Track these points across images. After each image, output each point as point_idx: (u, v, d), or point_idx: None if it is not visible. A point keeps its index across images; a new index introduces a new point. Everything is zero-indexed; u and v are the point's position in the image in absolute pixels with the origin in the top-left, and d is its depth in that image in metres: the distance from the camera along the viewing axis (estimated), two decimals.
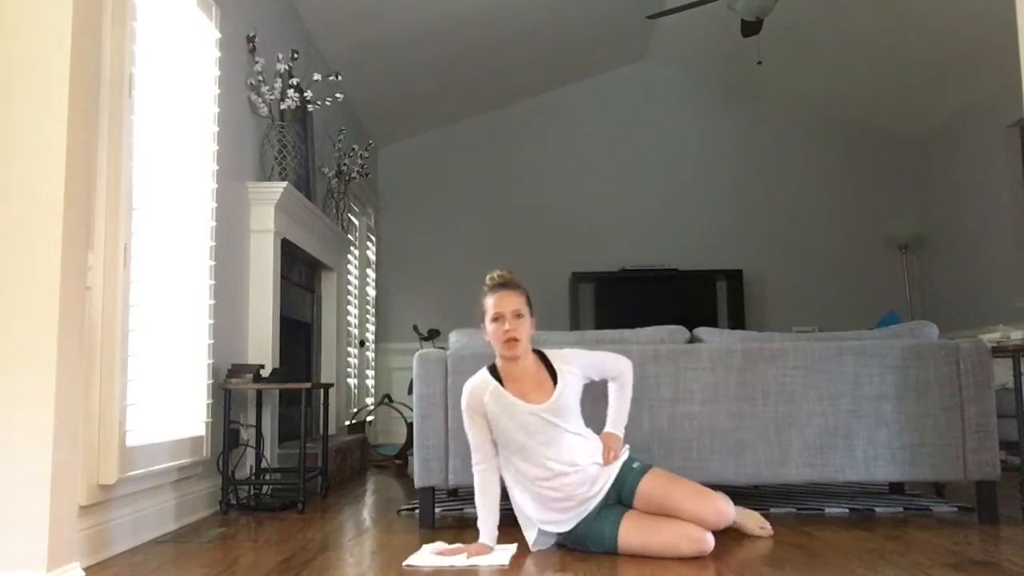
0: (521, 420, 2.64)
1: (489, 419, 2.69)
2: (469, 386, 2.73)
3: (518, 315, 2.66)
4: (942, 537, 2.79)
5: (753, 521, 2.88)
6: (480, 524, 2.64)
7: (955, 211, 6.86)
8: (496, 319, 2.66)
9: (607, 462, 2.68)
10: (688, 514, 2.56)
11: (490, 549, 2.57)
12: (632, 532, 2.55)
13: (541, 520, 2.68)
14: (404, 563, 2.48)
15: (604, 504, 2.65)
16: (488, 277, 2.76)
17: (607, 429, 2.80)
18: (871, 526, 3.04)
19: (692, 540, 2.49)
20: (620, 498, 2.67)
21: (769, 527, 2.88)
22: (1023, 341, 3.55)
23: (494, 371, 2.73)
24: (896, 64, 6.30)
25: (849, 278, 7.34)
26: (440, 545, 2.64)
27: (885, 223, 7.33)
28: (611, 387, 2.88)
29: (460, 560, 2.48)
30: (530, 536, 2.70)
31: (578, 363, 2.78)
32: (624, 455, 2.74)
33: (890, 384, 3.16)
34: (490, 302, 2.69)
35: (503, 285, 2.71)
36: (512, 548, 2.63)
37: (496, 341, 2.68)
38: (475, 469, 2.70)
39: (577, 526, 2.64)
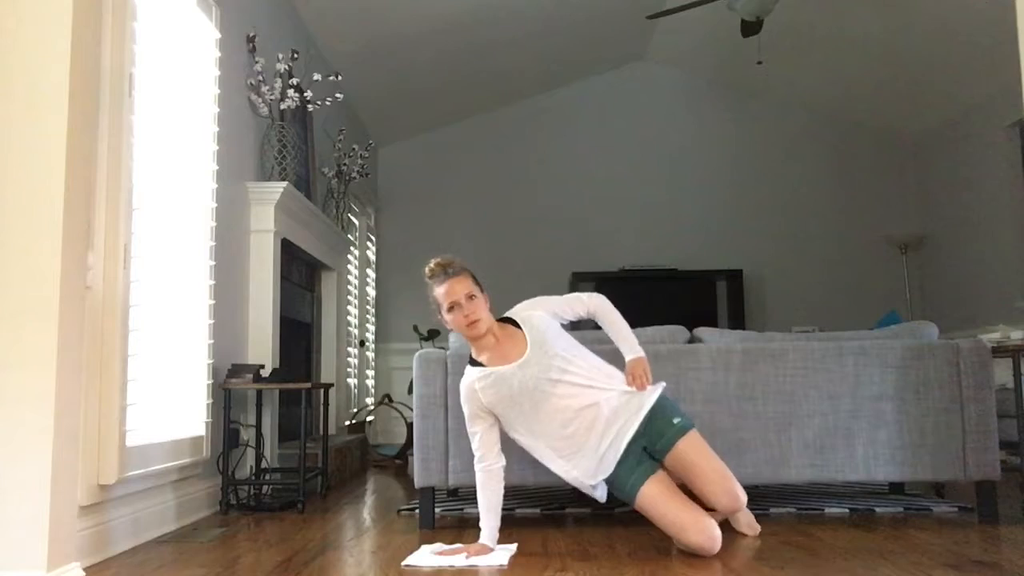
0: (517, 380, 2.64)
1: (490, 407, 2.69)
2: (462, 385, 2.76)
3: (470, 297, 2.67)
4: (942, 537, 2.79)
5: (744, 517, 2.90)
6: (481, 524, 2.64)
7: (955, 211, 6.86)
8: (451, 308, 2.67)
9: (639, 387, 2.69)
10: (707, 489, 2.60)
11: (490, 549, 2.57)
12: (652, 495, 2.58)
13: (583, 472, 2.67)
14: (403, 563, 2.48)
15: (640, 452, 2.65)
16: (427, 268, 2.74)
17: (626, 358, 2.79)
18: (871, 526, 3.04)
19: (701, 531, 2.48)
20: (653, 449, 2.67)
21: (758, 527, 2.90)
22: (1023, 341, 3.55)
23: (473, 361, 2.76)
24: (896, 64, 6.30)
25: (849, 278, 7.34)
26: (440, 546, 2.64)
27: (885, 223, 7.33)
28: (601, 324, 2.89)
29: (459, 560, 2.48)
30: (598, 493, 2.72)
31: (541, 306, 2.82)
32: (659, 389, 2.73)
33: (890, 384, 3.16)
34: (440, 292, 2.69)
35: (445, 272, 2.70)
36: (512, 548, 2.64)
37: (459, 328, 2.70)
38: (477, 467, 2.70)
39: (616, 466, 2.65)
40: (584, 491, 2.75)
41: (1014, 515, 3.20)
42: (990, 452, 3.11)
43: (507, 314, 2.82)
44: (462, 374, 3.09)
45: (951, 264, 6.90)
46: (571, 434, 2.65)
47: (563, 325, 2.86)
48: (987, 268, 6.38)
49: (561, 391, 2.64)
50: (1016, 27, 2.62)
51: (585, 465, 2.68)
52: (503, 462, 2.70)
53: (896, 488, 3.85)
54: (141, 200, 2.88)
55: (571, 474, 2.71)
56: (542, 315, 2.79)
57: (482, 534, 2.62)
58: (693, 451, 2.66)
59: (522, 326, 2.74)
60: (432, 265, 2.74)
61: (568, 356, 2.69)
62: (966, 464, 3.12)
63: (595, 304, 2.87)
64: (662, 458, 2.66)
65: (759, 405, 3.14)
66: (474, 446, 2.72)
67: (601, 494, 2.74)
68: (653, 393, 2.71)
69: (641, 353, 2.80)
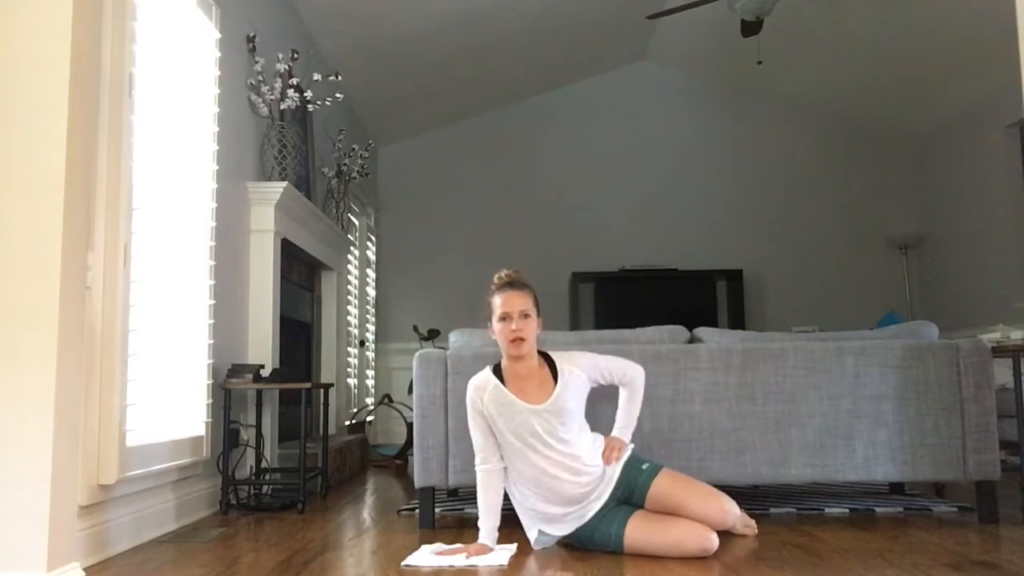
0: (520, 419, 2.64)
1: (488, 419, 2.69)
2: (472, 384, 2.75)
3: (525, 315, 2.67)
4: (942, 537, 2.79)
5: (740, 520, 2.89)
6: (480, 524, 2.64)
7: (955, 211, 6.86)
8: (503, 318, 2.67)
9: (607, 462, 2.69)
10: (696, 514, 2.59)
11: (490, 549, 2.57)
12: (637, 532, 2.56)
13: (541, 521, 2.68)
14: (403, 563, 2.48)
15: (610, 506, 2.65)
16: (496, 276, 2.77)
17: (614, 433, 2.81)
18: (871, 526, 3.04)
19: (697, 539, 2.50)
20: (631, 499, 2.68)
21: (754, 524, 2.92)
22: (1023, 341, 3.55)
23: (498, 370, 2.74)
24: (896, 64, 6.30)
25: (849, 278, 7.34)
26: (440, 546, 2.64)
27: (885, 223, 7.33)
28: (621, 393, 2.87)
29: (459, 560, 2.48)
30: (531, 535, 2.71)
31: (583, 365, 2.78)
32: (626, 455, 2.74)
33: (890, 384, 3.16)
34: (498, 301, 2.70)
35: (511, 284, 2.72)
36: (512, 548, 2.64)
37: (503, 340, 2.69)
38: (477, 468, 2.70)
39: (580, 529, 2.64)
40: (523, 524, 2.74)
41: (1014, 515, 3.20)
42: (990, 452, 3.11)
43: (552, 353, 2.79)
44: (462, 374, 3.10)
45: (951, 264, 6.90)
46: (544, 484, 2.65)
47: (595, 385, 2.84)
48: (987, 268, 6.38)
49: (549, 452, 2.63)
50: (1016, 27, 2.62)
51: (547, 512, 2.67)
52: (503, 463, 2.70)
53: (896, 488, 3.85)
54: (141, 200, 2.88)
55: (524, 506, 2.70)
56: (581, 376, 2.75)
57: (481, 534, 2.61)
58: (670, 483, 2.67)
59: (559, 377, 2.72)
60: (502, 274, 2.77)
61: (573, 432, 2.67)
62: (966, 464, 3.12)
63: (631, 377, 2.86)
64: (641, 503, 2.66)
65: (759, 405, 3.14)
66: (476, 446, 2.72)
67: (532, 537, 2.71)
68: (618, 465, 2.71)
69: (627, 438, 2.81)
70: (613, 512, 2.63)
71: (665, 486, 2.65)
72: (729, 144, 7.51)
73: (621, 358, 2.89)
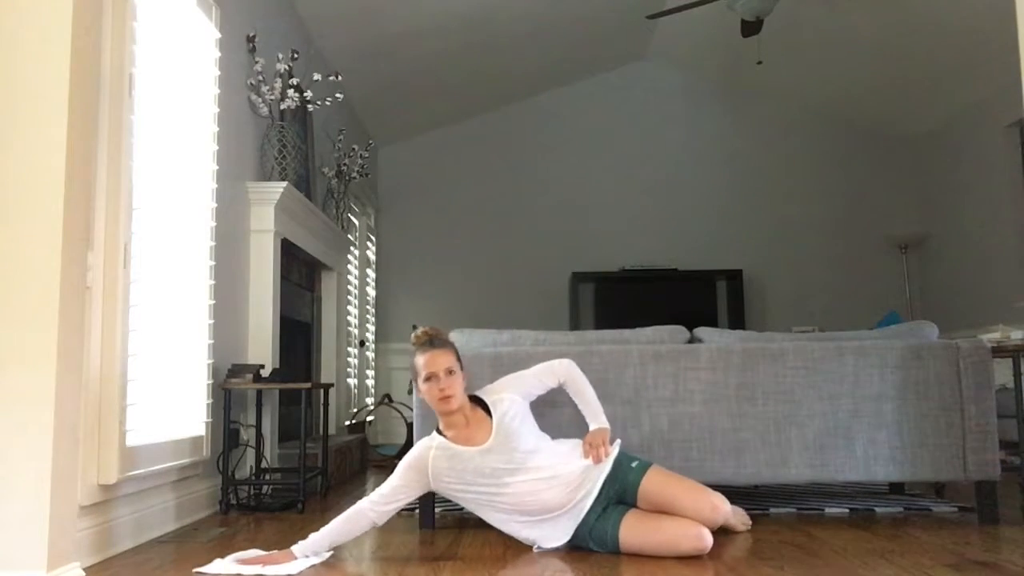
0: (473, 466, 2.66)
1: (434, 479, 2.68)
2: (419, 445, 2.74)
3: (450, 372, 2.70)
4: (942, 537, 2.79)
5: (737, 518, 2.94)
6: (312, 535, 2.54)
7: (955, 211, 6.86)
8: (429, 378, 2.70)
9: (596, 460, 2.69)
10: (687, 510, 2.59)
11: (292, 557, 2.47)
12: (632, 531, 2.56)
13: (541, 538, 2.68)
14: (194, 570, 2.39)
15: (606, 504, 2.65)
16: (414, 336, 2.80)
17: (591, 427, 2.82)
18: (871, 526, 3.04)
19: (691, 537, 2.50)
20: (624, 498, 2.68)
21: (749, 520, 2.95)
22: (1023, 341, 3.55)
23: (439, 432, 2.77)
24: (896, 64, 6.30)
25: (849, 278, 7.34)
26: (243, 554, 2.54)
27: (885, 223, 7.33)
28: (568, 390, 2.91)
29: (251, 569, 2.37)
30: (534, 548, 2.71)
31: (509, 387, 2.83)
32: (615, 452, 2.74)
33: (890, 384, 3.16)
34: (421, 362, 2.73)
35: (431, 343, 2.75)
36: (314, 561, 2.50)
37: (432, 400, 2.71)
38: (363, 503, 2.61)
39: (578, 529, 2.64)
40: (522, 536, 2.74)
41: (1014, 515, 3.20)
42: (990, 452, 3.11)
43: (479, 393, 2.83)
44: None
45: (951, 264, 6.90)
46: (529, 511, 2.66)
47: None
48: (987, 268, 6.38)
49: (520, 478, 2.64)
50: (1016, 27, 2.62)
51: (542, 534, 2.67)
52: (382, 521, 2.63)
53: (896, 488, 3.85)
54: (141, 200, 2.88)
55: (527, 537, 2.70)
56: (512, 398, 2.78)
57: (302, 544, 2.51)
58: (660, 480, 2.67)
59: (493, 410, 2.75)
60: (419, 332, 2.79)
61: (530, 449, 2.68)
62: (966, 464, 3.12)
63: (564, 373, 2.90)
64: (634, 501, 2.67)
65: (759, 405, 3.14)
66: (381, 490, 2.65)
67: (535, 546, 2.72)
68: (608, 462, 2.70)
69: (604, 424, 2.82)
70: (608, 512, 2.63)
71: (655, 483, 2.65)
72: (729, 144, 7.51)
73: (543, 363, 2.93)
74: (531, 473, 2.65)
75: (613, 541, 2.58)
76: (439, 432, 2.77)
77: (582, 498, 2.64)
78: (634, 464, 2.72)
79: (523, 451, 2.67)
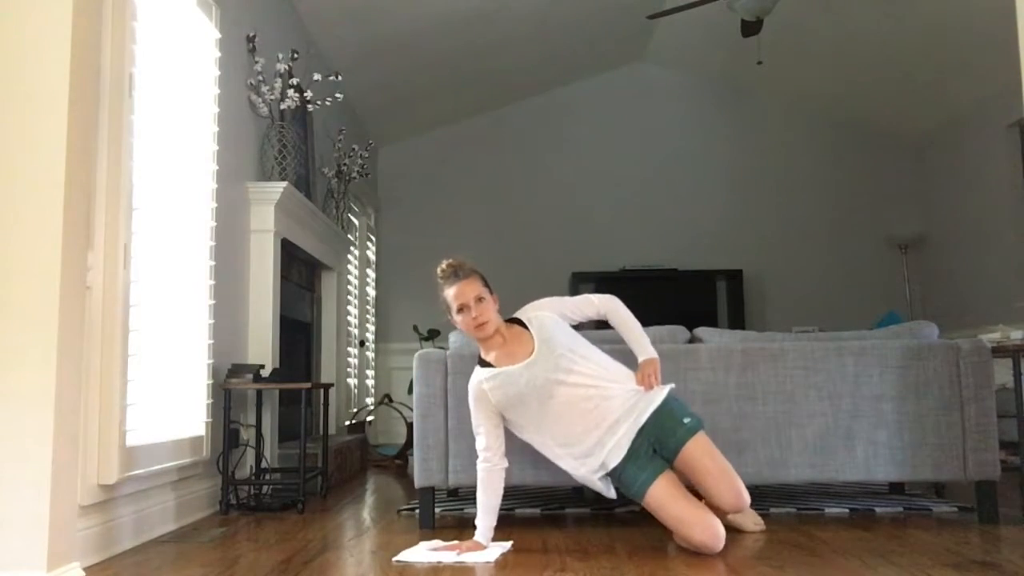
0: (524, 379, 2.66)
1: (499, 408, 2.71)
2: (471, 383, 2.79)
3: (479, 299, 2.71)
4: (942, 537, 2.79)
5: (750, 519, 2.95)
6: (477, 521, 2.66)
7: (955, 211, 6.86)
8: (461, 310, 2.72)
9: (648, 386, 2.71)
10: (713, 488, 2.62)
11: (483, 546, 2.59)
12: (661, 493, 2.60)
13: (601, 467, 2.68)
14: (394, 559, 2.51)
15: (649, 451, 2.66)
16: (438, 269, 2.79)
17: (639, 358, 2.81)
18: (871, 526, 3.04)
19: (707, 533, 2.51)
20: (663, 447, 2.68)
21: (762, 522, 2.97)
22: (1023, 341, 3.55)
23: (482, 361, 2.79)
24: (896, 64, 6.30)
25: (849, 278, 7.34)
26: (437, 543, 2.68)
27: (885, 223, 7.33)
28: (613, 325, 2.90)
29: (449, 556, 2.50)
30: (610, 492, 2.74)
31: (548, 307, 2.85)
32: (667, 388, 2.74)
33: (890, 384, 3.16)
34: (451, 293, 2.73)
35: (455, 275, 2.74)
36: (506, 546, 2.66)
37: (468, 330, 2.74)
38: (480, 466, 2.72)
39: (621, 463, 2.65)
40: (595, 488, 2.76)
41: (1014, 515, 3.20)
42: (990, 452, 3.11)
43: (515, 315, 2.84)
44: (462, 374, 3.10)
45: (951, 264, 6.90)
46: (579, 432, 2.68)
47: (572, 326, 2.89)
48: (987, 268, 6.38)
49: (567, 391, 2.66)
50: (1016, 27, 2.62)
51: (592, 462, 2.70)
52: (506, 463, 2.72)
53: (896, 488, 3.85)
54: (141, 200, 2.88)
55: (579, 471, 2.73)
56: (550, 315, 2.81)
57: (477, 532, 2.63)
58: (700, 451, 2.68)
59: (529, 326, 2.76)
60: (443, 266, 2.78)
61: (575, 356, 2.71)
62: (966, 464, 3.12)
63: (606, 305, 2.89)
64: (672, 458, 2.68)
65: (759, 405, 3.14)
66: (479, 445, 2.74)
67: (611, 492, 2.76)
68: (660, 392, 2.72)
69: (654, 354, 2.82)
70: (648, 461, 2.65)
71: (697, 451, 2.66)
72: (729, 144, 7.51)
73: (588, 294, 2.94)
74: (578, 378, 2.65)
75: (641, 491, 2.61)
76: (482, 363, 2.77)
77: (634, 418, 2.65)
78: (686, 420, 2.70)
79: (568, 356, 2.68)
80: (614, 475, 2.70)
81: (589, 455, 2.69)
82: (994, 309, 6.13)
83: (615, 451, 2.66)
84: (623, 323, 2.88)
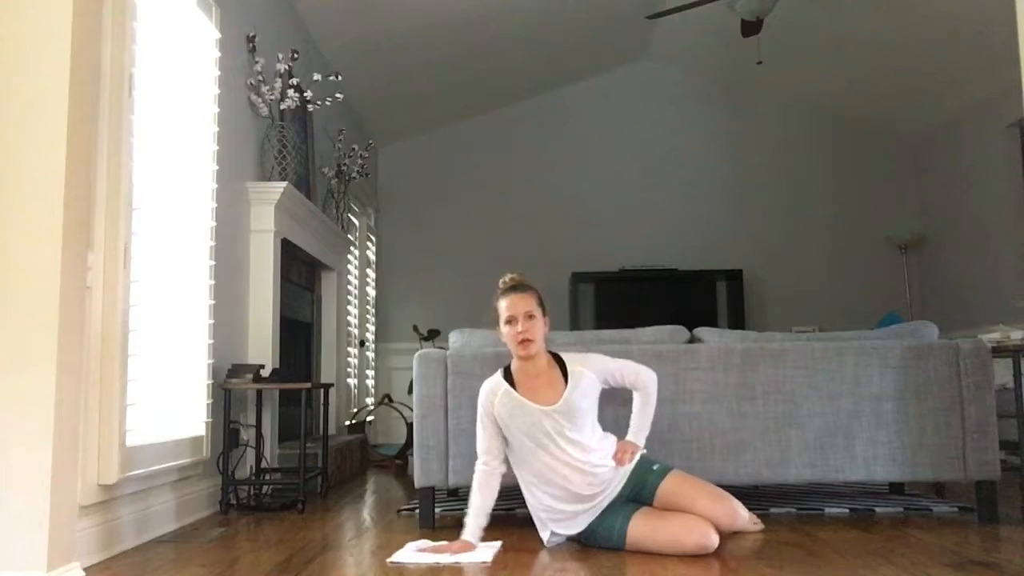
0: (531, 420, 2.67)
1: (498, 418, 2.72)
2: (484, 387, 2.78)
3: (530, 316, 2.71)
4: (942, 537, 2.79)
5: (749, 519, 2.92)
6: (467, 521, 2.65)
7: (955, 211, 6.85)
8: (509, 321, 2.72)
9: (619, 464, 2.71)
10: (704, 514, 2.60)
11: (473, 546, 2.58)
12: (640, 528, 2.58)
13: (554, 522, 2.70)
14: (388, 560, 2.50)
15: (617, 502, 2.67)
16: (501, 281, 2.82)
17: (628, 437, 2.83)
18: (871, 526, 3.04)
19: (697, 535, 2.51)
20: (639, 497, 2.70)
21: (759, 521, 2.96)
22: (1023, 341, 3.55)
23: (508, 374, 2.78)
24: (896, 64, 6.30)
25: (849, 278, 7.34)
26: (424, 542, 2.67)
27: (885, 223, 7.33)
28: (636, 397, 2.89)
29: (444, 558, 2.50)
30: (544, 536, 2.74)
31: (594, 366, 2.80)
32: (637, 457, 2.76)
33: (890, 384, 3.16)
34: (503, 305, 2.75)
35: (514, 288, 2.77)
36: (496, 545, 2.66)
37: (511, 342, 2.73)
38: (477, 467, 2.73)
39: (588, 524, 2.66)
40: (536, 524, 2.77)
41: (1014, 515, 3.20)
42: (990, 452, 3.11)
43: (563, 354, 2.82)
44: (462, 374, 3.10)
45: (951, 264, 6.90)
46: (555, 483, 2.68)
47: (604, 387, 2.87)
48: (987, 268, 6.38)
49: (558, 452, 2.67)
50: (1016, 27, 2.62)
51: (561, 511, 2.69)
52: (504, 468, 2.73)
53: (896, 488, 3.85)
54: (141, 200, 2.88)
55: (539, 508, 2.73)
56: (592, 377, 2.77)
57: (465, 531, 2.63)
58: (680, 482, 2.70)
59: (569, 378, 2.73)
60: (507, 278, 2.82)
61: (584, 433, 2.70)
62: (966, 464, 3.12)
63: (645, 384, 2.86)
64: (651, 500, 2.69)
65: (759, 405, 3.14)
66: (479, 447, 2.74)
67: (545, 537, 2.74)
68: (629, 465, 2.74)
69: (640, 442, 2.82)
70: (619, 508, 2.65)
71: (675, 485, 2.68)
72: (729, 144, 7.51)
73: (633, 362, 2.89)
74: (569, 449, 2.65)
75: (620, 537, 2.59)
76: (507, 374, 2.76)
77: (603, 500, 2.66)
78: (655, 467, 2.75)
79: (576, 428, 2.67)
80: (584, 536, 2.68)
81: (559, 505, 2.69)
82: (994, 309, 6.13)
83: (583, 517, 2.67)
84: (645, 404, 2.86)
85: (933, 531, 2.91)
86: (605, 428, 2.87)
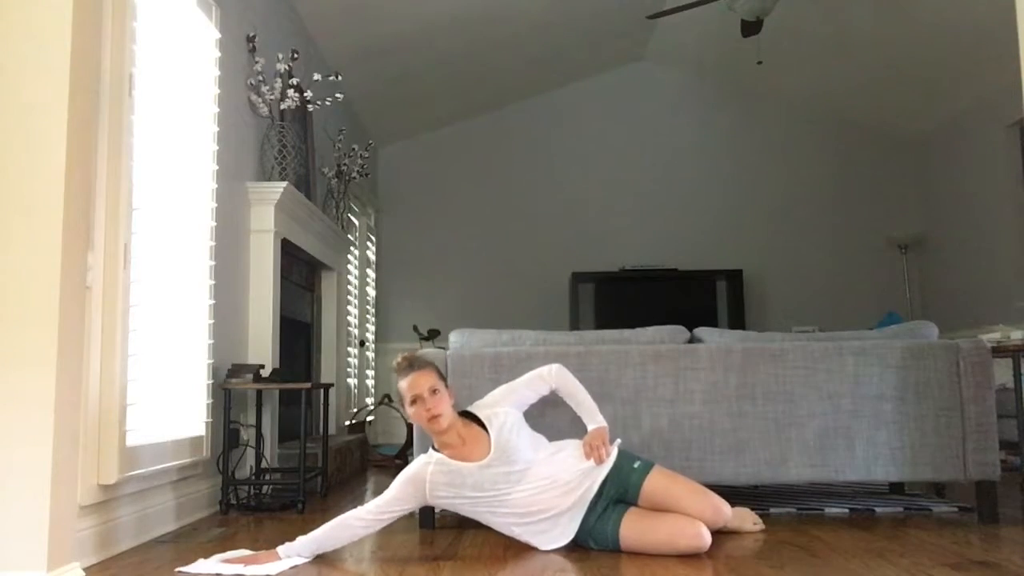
0: (474, 479, 2.65)
1: (431, 495, 2.66)
2: (413, 464, 2.73)
3: (433, 391, 2.69)
4: (942, 537, 2.79)
5: (748, 519, 2.94)
6: (300, 538, 2.53)
7: (955, 211, 6.86)
8: (414, 401, 2.70)
9: (599, 462, 2.69)
10: (690, 512, 2.60)
11: (277, 557, 2.47)
12: (632, 529, 2.58)
13: (542, 541, 2.67)
14: (176, 569, 2.40)
15: (607, 504, 2.66)
16: (395, 363, 2.80)
17: (588, 427, 2.82)
18: (871, 526, 3.04)
19: (690, 535, 2.51)
20: (625, 498, 2.69)
21: (760, 521, 2.96)
22: (1023, 341, 3.55)
23: (435, 448, 2.76)
24: (896, 64, 6.30)
25: (849, 278, 7.34)
26: (231, 553, 2.55)
27: (885, 223, 7.33)
28: (563, 398, 2.91)
29: (232, 569, 2.38)
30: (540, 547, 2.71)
31: (502, 400, 2.83)
32: (615, 452, 2.75)
33: (890, 384, 3.16)
34: (404, 385, 2.72)
35: (410, 367, 2.74)
36: (299, 561, 2.50)
37: (420, 421, 2.72)
38: (352, 512, 2.61)
39: (578, 530, 2.65)
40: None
41: (1014, 515, 3.20)
42: (990, 452, 3.11)
43: (471, 408, 2.82)
44: (462, 374, 3.10)
45: (951, 264, 6.90)
46: (531, 514, 2.66)
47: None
48: (987, 268, 6.38)
49: (521, 488, 2.65)
50: (1016, 27, 2.62)
51: (544, 536, 2.67)
52: (373, 530, 2.65)
53: (896, 488, 3.85)
54: (141, 200, 2.88)
55: (529, 540, 2.70)
56: (507, 411, 2.77)
57: (286, 546, 2.51)
58: (663, 480, 2.69)
59: (488, 426, 2.73)
60: (399, 359, 2.80)
61: (529, 459, 2.68)
62: (966, 464, 3.12)
63: (555, 378, 2.89)
64: (636, 500, 2.68)
65: (759, 405, 3.14)
66: (376, 501, 2.63)
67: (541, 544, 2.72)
68: (608, 462, 2.71)
69: (602, 423, 2.82)
70: (610, 510, 2.64)
71: (658, 484, 2.67)
72: (729, 144, 7.51)
73: (531, 371, 2.92)
74: (532, 482, 2.65)
75: (613, 540, 2.59)
76: (435, 449, 2.76)
77: (581, 495, 2.65)
78: (636, 464, 2.73)
79: (523, 463, 2.67)
80: (581, 542, 2.66)
81: (542, 530, 2.66)
82: (994, 309, 6.13)
83: (570, 526, 2.65)
84: (571, 395, 2.89)
85: (933, 531, 2.91)
86: (562, 434, 2.88)
